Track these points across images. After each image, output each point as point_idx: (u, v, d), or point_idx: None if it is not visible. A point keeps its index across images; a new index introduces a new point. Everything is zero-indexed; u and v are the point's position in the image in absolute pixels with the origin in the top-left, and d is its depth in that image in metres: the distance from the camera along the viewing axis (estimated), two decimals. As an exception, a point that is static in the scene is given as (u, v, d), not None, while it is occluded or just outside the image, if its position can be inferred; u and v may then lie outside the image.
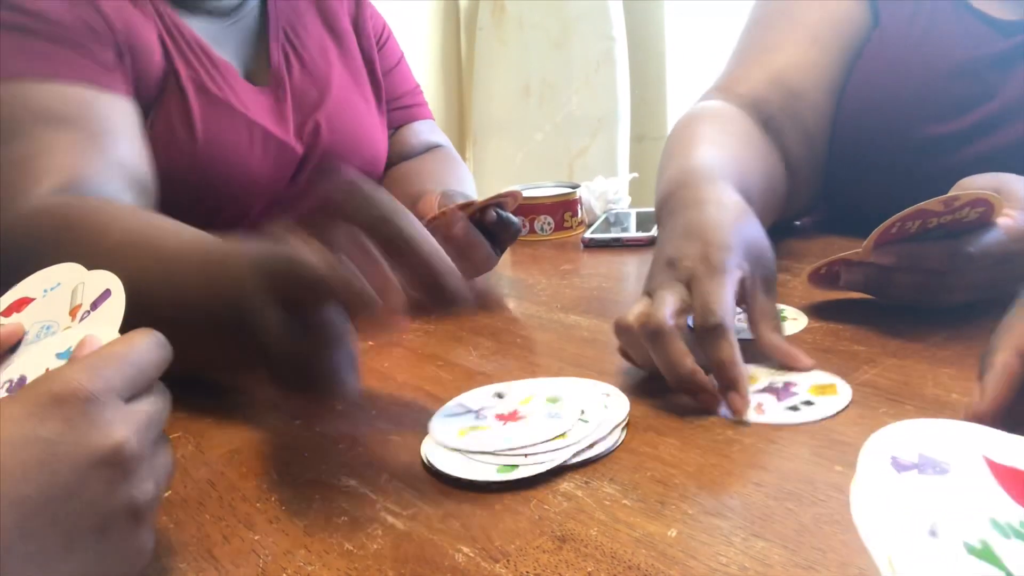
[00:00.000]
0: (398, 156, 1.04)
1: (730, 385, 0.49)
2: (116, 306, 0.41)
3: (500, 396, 0.52)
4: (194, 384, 0.61)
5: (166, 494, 0.45)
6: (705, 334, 0.51)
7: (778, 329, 0.55)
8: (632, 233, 0.95)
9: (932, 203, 0.53)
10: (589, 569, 0.36)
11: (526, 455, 0.44)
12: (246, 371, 0.60)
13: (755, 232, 0.58)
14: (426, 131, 1.08)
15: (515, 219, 0.75)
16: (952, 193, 0.53)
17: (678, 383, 0.50)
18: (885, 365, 0.54)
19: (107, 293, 0.42)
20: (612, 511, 0.40)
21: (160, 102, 0.80)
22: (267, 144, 0.85)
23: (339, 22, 0.99)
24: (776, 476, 0.42)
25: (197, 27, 0.87)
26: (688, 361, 0.49)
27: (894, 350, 0.56)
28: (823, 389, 0.51)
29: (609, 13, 2.03)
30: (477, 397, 0.53)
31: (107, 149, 0.70)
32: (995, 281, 0.57)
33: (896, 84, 0.78)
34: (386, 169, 1.03)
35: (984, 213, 0.54)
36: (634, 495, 0.41)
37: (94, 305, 0.42)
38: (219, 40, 0.88)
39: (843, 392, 0.50)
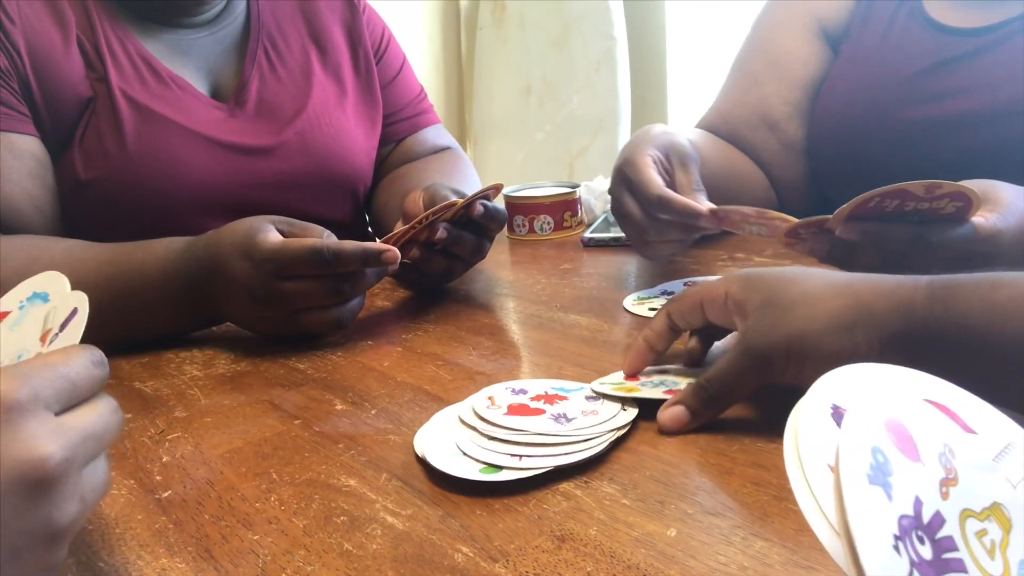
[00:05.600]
0: (404, 164, 1.04)
1: (697, 213, 0.66)
2: (79, 322, 0.40)
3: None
4: (192, 383, 0.61)
5: (165, 494, 0.45)
6: (654, 209, 0.68)
7: (695, 193, 0.69)
8: (632, 233, 0.95)
9: (915, 185, 0.54)
10: (588, 569, 0.36)
11: (520, 457, 0.44)
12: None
13: (665, 135, 0.74)
14: (431, 136, 1.07)
15: (501, 208, 0.76)
16: (936, 181, 0.54)
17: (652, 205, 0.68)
18: (885, 364, 0.54)
19: (74, 312, 0.41)
20: (611, 511, 0.40)
21: (90, 117, 0.81)
22: (211, 155, 0.85)
23: (326, 30, 0.97)
24: (775, 475, 0.42)
25: (159, 41, 0.87)
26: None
27: (894, 349, 0.56)
28: None
29: (610, 13, 2.03)
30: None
31: None
32: None
33: (871, 80, 0.86)
34: (388, 173, 1.03)
35: (962, 209, 0.55)
36: (633, 495, 0.41)
37: (62, 327, 0.41)
38: (187, 51, 0.88)
39: None
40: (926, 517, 0.24)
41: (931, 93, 0.80)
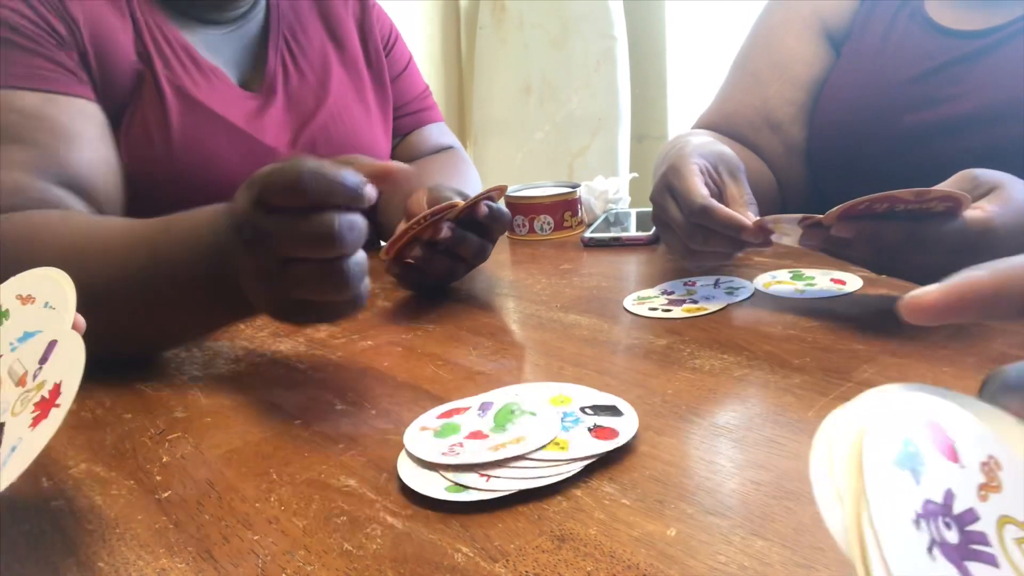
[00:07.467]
0: (407, 160, 1.04)
1: (740, 227, 0.64)
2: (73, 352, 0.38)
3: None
4: (192, 383, 0.61)
5: (165, 494, 0.45)
6: (697, 218, 0.66)
7: (746, 207, 0.68)
8: (632, 233, 0.95)
9: (904, 193, 0.54)
10: (588, 569, 0.36)
11: (488, 478, 0.43)
12: (248, 311, 0.60)
13: (713, 144, 0.73)
14: (436, 134, 1.08)
15: (505, 210, 0.75)
16: (924, 188, 0.54)
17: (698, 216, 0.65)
18: (885, 364, 0.54)
19: (53, 344, 0.39)
20: (611, 510, 0.40)
21: (137, 103, 0.82)
22: (248, 149, 0.86)
23: (342, 27, 0.99)
24: (775, 475, 0.42)
25: (194, 35, 0.88)
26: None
27: (894, 349, 0.56)
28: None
29: (610, 12, 2.03)
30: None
31: (55, 162, 0.73)
32: (949, 270, 0.58)
33: (872, 82, 0.86)
34: None
35: (952, 207, 0.55)
36: (633, 494, 0.41)
37: (43, 360, 0.39)
38: (217, 47, 0.90)
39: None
40: (957, 509, 0.23)
41: (932, 96, 0.80)
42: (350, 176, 0.50)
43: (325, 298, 0.52)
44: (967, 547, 0.22)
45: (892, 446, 0.23)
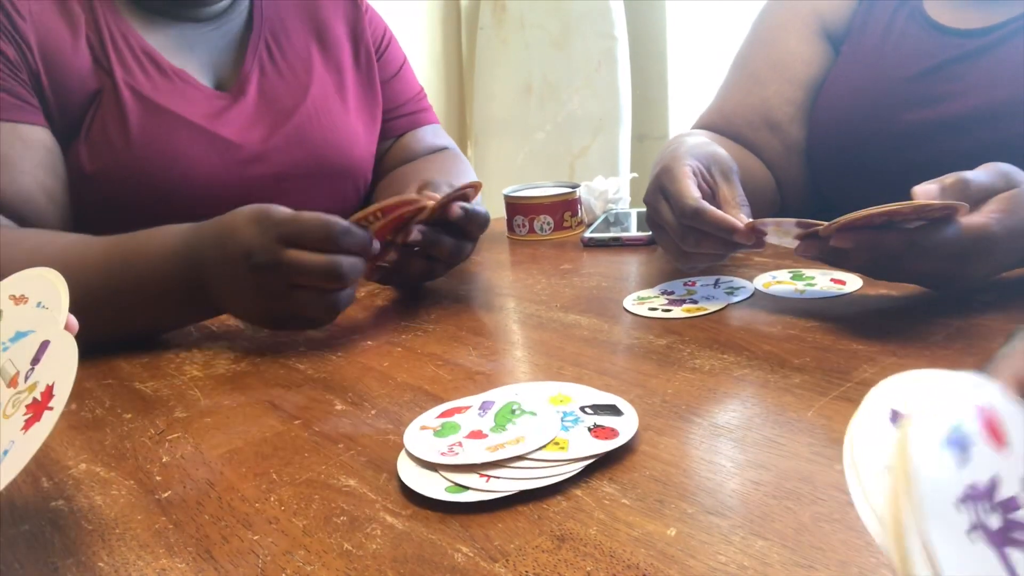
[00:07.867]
0: (402, 162, 1.04)
1: (732, 229, 0.64)
2: (66, 352, 0.38)
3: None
4: (192, 383, 0.61)
5: (165, 494, 0.45)
6: (688, 220, 0.66)
7: (739, 209, 0.68)
8: (632, 233, 0.95)
9: (904, 209, 0.54)
10: (588, 568, 0.36)
11: (488, 478, 0.43)
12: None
13: (707, 145, 0.74)
14: (430, 136, 1.08)
15: (480, 209, 0.74)
16: (925, 201, 0.55)
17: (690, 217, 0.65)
18: (885, 364, 0.54)
19: (45, 344, 0.39)
20: (611, 510, 0.40)
21: (96, 110, 0.83)
22: (210, 145, 0.86)
23: (330, 29, 0.99)
24: (775, 475, 0.42)
25: (166, 35, 0.88)
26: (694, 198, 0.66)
27: (894, 349, 0.56)
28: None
29: (610, 12, 2.03)
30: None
31: None
32: (947, 274, 0.59)
33: (871, 81, 0.86)
34: (388, 172, 1.03)
35: (948, 213, 0.55)
36: (633, 494, 0.41)
37: (35, 360, 0.39)
38: (193, 45, 0.90)
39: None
40: (1001, 496, 0.23)
41: (931, 95, 0.80)
42: (363, 233, 0.65)
43: (318, 318, 0.67)
44: (1008, 534, 0.22)
45: (941, 426, 0.23)
